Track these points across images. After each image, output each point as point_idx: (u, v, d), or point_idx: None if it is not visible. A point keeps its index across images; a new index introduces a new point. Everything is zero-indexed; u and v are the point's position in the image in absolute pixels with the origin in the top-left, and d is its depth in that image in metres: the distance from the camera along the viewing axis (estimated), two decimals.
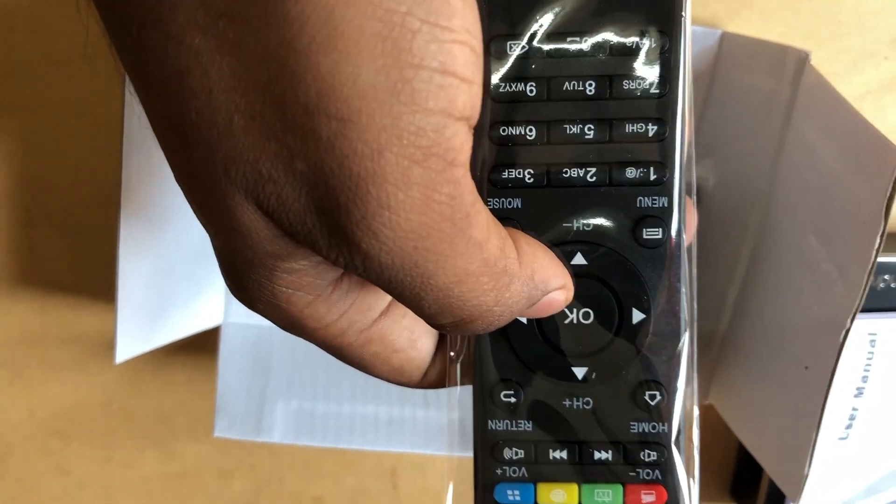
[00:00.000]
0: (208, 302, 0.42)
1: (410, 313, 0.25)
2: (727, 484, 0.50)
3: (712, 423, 0.49)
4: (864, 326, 0.41)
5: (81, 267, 0.44)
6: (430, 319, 0.22)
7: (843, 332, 0.30)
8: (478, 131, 0.24)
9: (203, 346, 0.46)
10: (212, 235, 0.22)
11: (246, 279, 0.22)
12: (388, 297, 0.25)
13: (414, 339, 0.26)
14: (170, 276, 0.39)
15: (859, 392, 0.42)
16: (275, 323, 0.24)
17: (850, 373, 0.42)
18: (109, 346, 0.37)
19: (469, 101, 0.19)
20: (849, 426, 0.43)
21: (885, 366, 0.42)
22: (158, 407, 0.47)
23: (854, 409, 0.43)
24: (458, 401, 0.28)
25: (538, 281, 0.24)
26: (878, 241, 0.29)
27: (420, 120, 0.19)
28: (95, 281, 0.44)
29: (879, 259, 0.41)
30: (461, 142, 0.20)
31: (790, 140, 0.36)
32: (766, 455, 0.36)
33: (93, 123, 0.41)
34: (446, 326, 0.23)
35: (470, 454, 0.27)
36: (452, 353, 0.27)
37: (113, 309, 0.36)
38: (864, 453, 0.45)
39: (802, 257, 0.34)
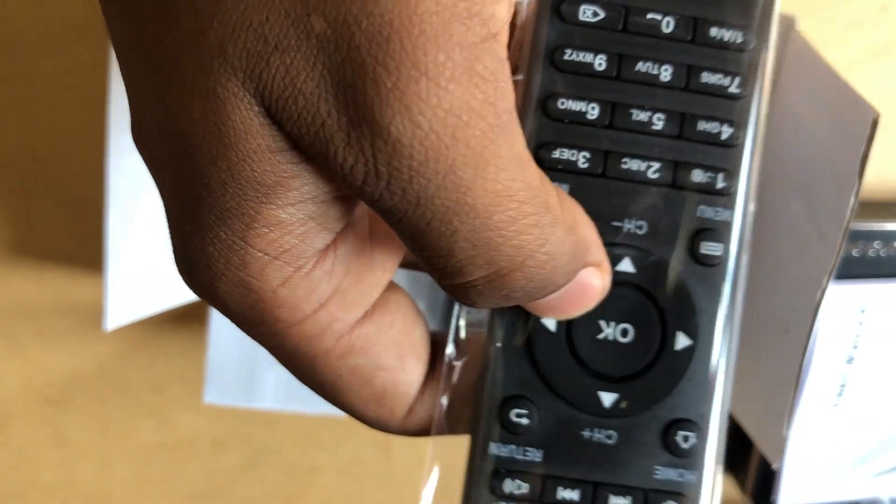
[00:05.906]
0: None
1: (398, 324, 0.21)
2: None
3: None
4: (854, 293, 0.41)
5: (76, 237, 0.44)
6: (457, 274, 0.18)
7: (820, 292, 0.30)
8: (528, 100, 0.22)
9: (197, 317, 0.46)
10: (171, 182, 0.19)
11: (211, 243, 0.18)
12: (376, 293, 0.21)
13: (402, 355, 0.21)
14: (160, 246, 0.40)
15: (850, 360, 0.42)
16: (235, 314, 0.19)
17: (839, 340, 0.42)
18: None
19: None
20: (840, 394, 0.43)
21: (875, 333, 0.42)
22: (153, 377, 0.48)
23: (845, 376, 0.43)
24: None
25: (580, 237, 0.19)
26: (852, 199, 0.29)
27: None
28: (90, 251, 0.44)
29: (869, 226, 0.42)
30: (504, 16, 0.16)
31: (776, 105, 0.36)
32: (751, 420, 0.36)
33: (84, 94, 0.42)
34: (476, 286, 0.18)
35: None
36: (452, 362, 0.23)
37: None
38: (856, 421, 0.45)
39: (786, 220, 0.34)
